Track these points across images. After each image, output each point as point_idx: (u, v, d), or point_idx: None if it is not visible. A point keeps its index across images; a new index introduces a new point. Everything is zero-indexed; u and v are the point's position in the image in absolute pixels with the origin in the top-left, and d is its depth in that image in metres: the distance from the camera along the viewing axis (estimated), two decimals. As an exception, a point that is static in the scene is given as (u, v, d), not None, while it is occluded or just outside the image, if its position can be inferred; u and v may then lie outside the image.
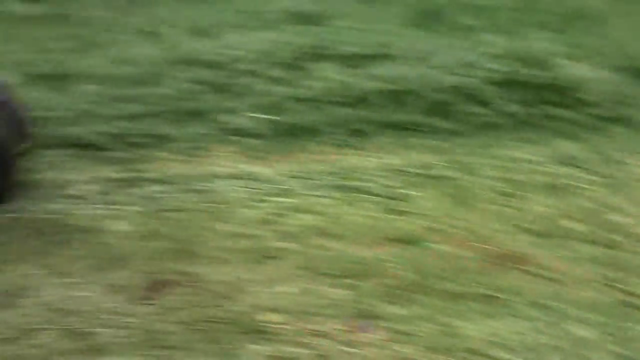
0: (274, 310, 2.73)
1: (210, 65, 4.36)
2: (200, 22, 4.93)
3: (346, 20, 5.02)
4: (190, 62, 4.40)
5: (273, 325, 2.66)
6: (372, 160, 3.70)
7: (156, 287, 2.89)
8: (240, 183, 3.51)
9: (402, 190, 3.48)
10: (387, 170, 3.62)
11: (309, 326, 2.63)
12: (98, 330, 2.66)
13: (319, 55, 4.54)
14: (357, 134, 3.89)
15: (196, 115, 3.95)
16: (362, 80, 4.32)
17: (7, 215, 3.26)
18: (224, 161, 3.67)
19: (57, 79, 4.28)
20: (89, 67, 4.40)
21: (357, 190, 3.47)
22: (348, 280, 2.88)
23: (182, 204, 3.36)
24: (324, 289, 2.85)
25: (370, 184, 3.51)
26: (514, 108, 4.27)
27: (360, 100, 4.14)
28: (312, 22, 4.98)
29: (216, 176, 3.55)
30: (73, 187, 3.44)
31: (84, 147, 3.70)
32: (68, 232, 3.17)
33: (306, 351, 2.52)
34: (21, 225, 3.20)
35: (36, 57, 4.55)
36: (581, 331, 2.61)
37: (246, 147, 3.77)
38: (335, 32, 4.82)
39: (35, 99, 4.02)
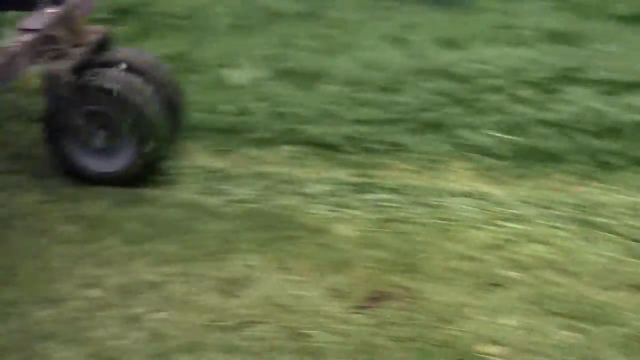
0: (494, 342, 2.58)
1: (455, 77, 4.25)
2: (450, 32, 4.81)
3: (607, 43, 4.70)
4: (435, 72, 4.30)
5: (491, 358, 2.51)
6: (619, 197, 3.41)
7: (375, 297, 2.83)
8: (473, 202, 3.36)
9: (649, 234, 3.19)
10: (634, 210, 3.32)
11: (531, 366, 2.46)
12: (314, 332, 2.64)
13: (573, 78, 4.28)
14: (605, 166, 3.61)
15: (435, 127, 3.84)
16: (618, 109, 4.01)
17: (239, 205, 3.34)
18: (458, 177, 3.54)
19: (303, 77, 4.35)
20: (334, 67, 4.44)
21: (598, 227, 3.21)
22: (578, 323, 2.66)
23: (410, 216, 3.27)
24: (550, 328, 2.66)
25: (613, 222, 3.23)
26: None
27: (613, 130, 3.84)
28: (570, 42, 4.70)
29: (448, 192, 3.43)
30: (305, 185, 3.47)
31: (320, 146, 3.71)
32: (295, 229, 3.19)
33: (525, 393, 2.35)
34: (252, 216, 3.26)
35: (285, 53, 4.65)
36: None
37: (483, 166, 3.62)
38: (593, 55, 4.52)
39: (280, 95, 4.12)
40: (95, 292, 2.84)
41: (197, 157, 3.67)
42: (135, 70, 3.36)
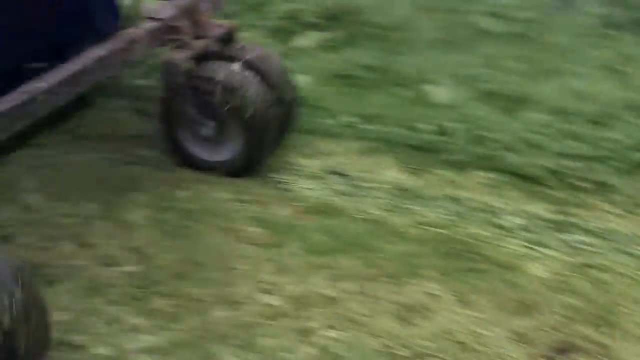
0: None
1: (675, 118, 3.91)
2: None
3: None
4: (654, 110, 3.98)
5: None
6: None
7: (563, 349, 2.62)
8: (683, 258, 3.06)
9: None
10: None
11: None
12: (491, 378, 2.49)
13: None
14: None
15: (647, 169, 3.54)
16: None
17: (426, 228, 3.22)
18: (669, 228, 3.24)
19: (507, 101, 4.15)
20: (540, 94, 4.20)
21: None
22: None
23: (610, 264, 3.02)
24: None
25: None
26: None
27: None
28: None
29: (655, 242, 3.15)
30: (499, 216, 3.29)
31: (519, 176, 3.51)
32: (483, 261, 3.02)
33: None
34: (439, 242, 3.13)
35: (490, 74, 4.47)
36: None
37: (698, 218, 3.29)
38: None
39: (481, 117, 3.95)
40: (271, 299, 2.81)
41: (389, 173, 3.58)
42: (251, 66, 3.41)
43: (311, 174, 3.56)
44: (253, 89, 3.35)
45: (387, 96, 4.20)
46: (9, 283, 2.18)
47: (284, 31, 4.83)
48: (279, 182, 3.48)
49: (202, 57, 3.37)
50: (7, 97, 2.77)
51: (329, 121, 3.92)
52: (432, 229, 3.22)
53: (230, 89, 3.31)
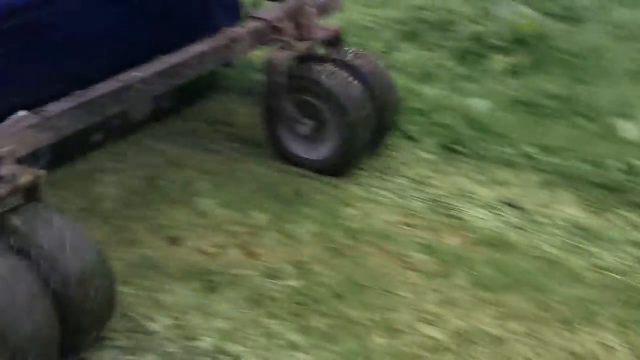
0: None
1: None
2: None
3: None
4: None
5: None
6: None
7: None
8: None
9: None
10: None
11: None
12: None
13: None
14: None
15: None
16: None
17: (604, 272, 3.01)
18: None
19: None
20: None
21: None
22: None
23: None
24: None
25: None
26: None
27: None
28: None
29: None
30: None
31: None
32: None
33: None
34: (617, 289, 2.91)
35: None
36: None
37: None
38: None
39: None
40: (434, 332, 2.70)
41: (568, 210, 3.38)
42: (352, 69, 3.46)
43: (485, 203, 3.41)
44: (351, 91, 3.40)
45: (572, 128, 3.98)
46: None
47: (468, 53, 4.70)
48: (451, 209, 3.36)
49: (304, 59, 3.45)
50: (103, 83, 2.87)
51: (507, 150, 3.76)
52: (612, 274, 3.00)
53: (328, 91, 3.38)
